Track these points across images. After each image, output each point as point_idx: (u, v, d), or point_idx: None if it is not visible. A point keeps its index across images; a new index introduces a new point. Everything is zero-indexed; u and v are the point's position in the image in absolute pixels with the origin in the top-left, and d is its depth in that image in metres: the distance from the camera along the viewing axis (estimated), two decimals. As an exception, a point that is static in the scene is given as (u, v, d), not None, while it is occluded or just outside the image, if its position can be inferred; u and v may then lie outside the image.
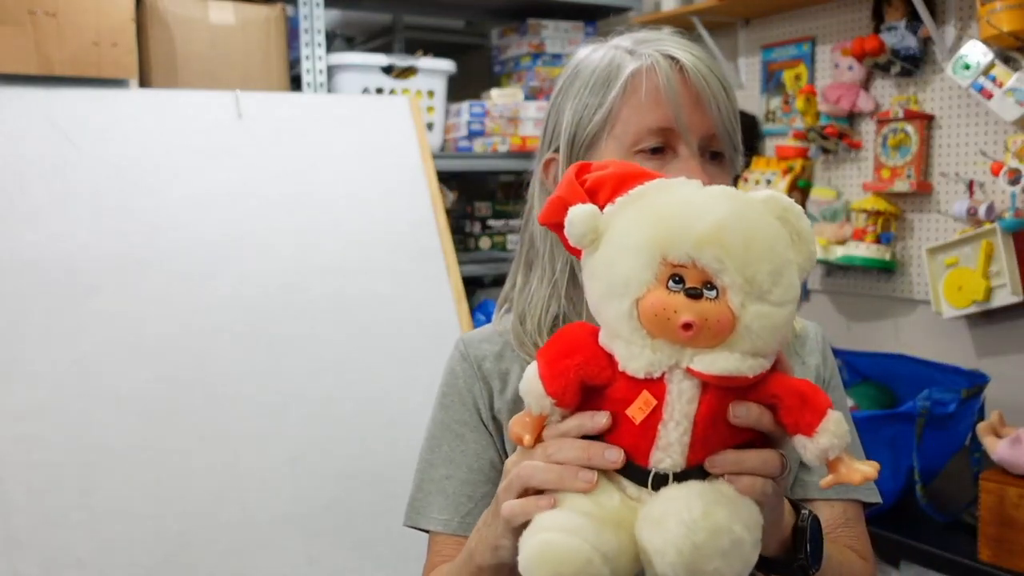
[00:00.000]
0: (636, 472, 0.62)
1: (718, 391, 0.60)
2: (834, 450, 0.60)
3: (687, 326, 0.57)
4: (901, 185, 2.19)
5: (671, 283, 0.59)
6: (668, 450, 0.60)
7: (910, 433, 1.72)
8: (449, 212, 2.60)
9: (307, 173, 2.10)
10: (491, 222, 2.79)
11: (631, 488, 0.62)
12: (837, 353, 2.17)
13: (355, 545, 1.85)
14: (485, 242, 2.77)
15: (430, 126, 2.58)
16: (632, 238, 0.61)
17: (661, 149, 0.85)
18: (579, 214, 0.63)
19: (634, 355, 0.61)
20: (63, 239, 1.80)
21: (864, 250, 2.24)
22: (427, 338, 2.07)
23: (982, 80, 1.94)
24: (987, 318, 2.10)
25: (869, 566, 0.93)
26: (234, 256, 1.95)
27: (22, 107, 1.86)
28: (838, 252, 2.30)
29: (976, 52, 1.95)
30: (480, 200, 2.82)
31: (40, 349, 1.72)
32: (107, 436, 1.72)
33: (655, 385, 0.60)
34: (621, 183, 0.64)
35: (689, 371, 0.60)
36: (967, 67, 1.96)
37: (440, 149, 2.65)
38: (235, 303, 1.92)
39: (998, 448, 1.59)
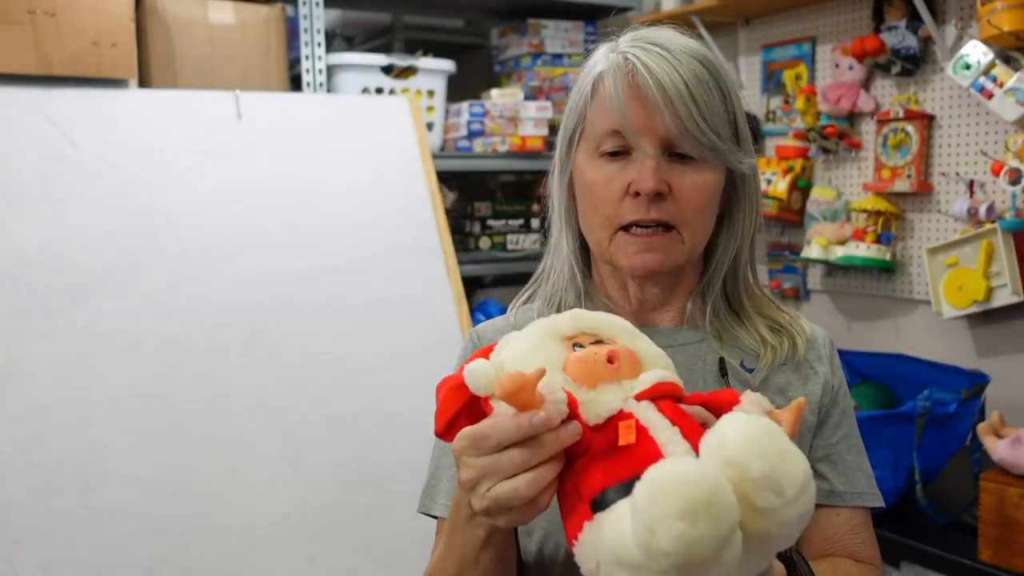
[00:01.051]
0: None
1: (669, 401, 0.68)
2: (758, 405, 0.68)
3: (610, 358, 0.67)
4: (901, 185, 2.19)
5: (575, 348, 0.70)
6: (675, 449, 0.62)
7: (910, 433, 1.71)
8: (449, 212, 2.60)
9: (307, 173, 2.10)
10: (491, 222, 2.79)
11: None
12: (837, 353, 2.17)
13: (355, 545, 1.85)
14: (485, 242, 2.76)
15: (430, 126, 2.58)
16: (528, 345, 0.70)
17: (619, 152, 0.87)
18: (473, 367, 0.68)
19: (590, 405, 0.65)
20: (63, 239, 1.80)
21: (864, 250, 2.24)
22: (427, 338, 2.07)
23: (983, 80, 1.94)
24: (987, 318, 2.10)
25: (876, 571, 0.93)
26: (234, 256, 1.95)
27: (21, 107, 1.85)
28: (838, 252, 2.30)
29: (977, 52, 1.95)
30: (480, 200, 2.81)
31: (40, 349, 1.72)
32: (107, 436, 1.72)
33: (624, 417, 0.65)
34: (485, 352, 0.73)
35: (638, 397, 0.66)
36: (968, 67, 1.96)
37: (440, 149, 2.64)
38: (235, 303, 1.92)
39: (998, 448, 1.59)
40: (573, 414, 0.65)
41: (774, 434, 0.59)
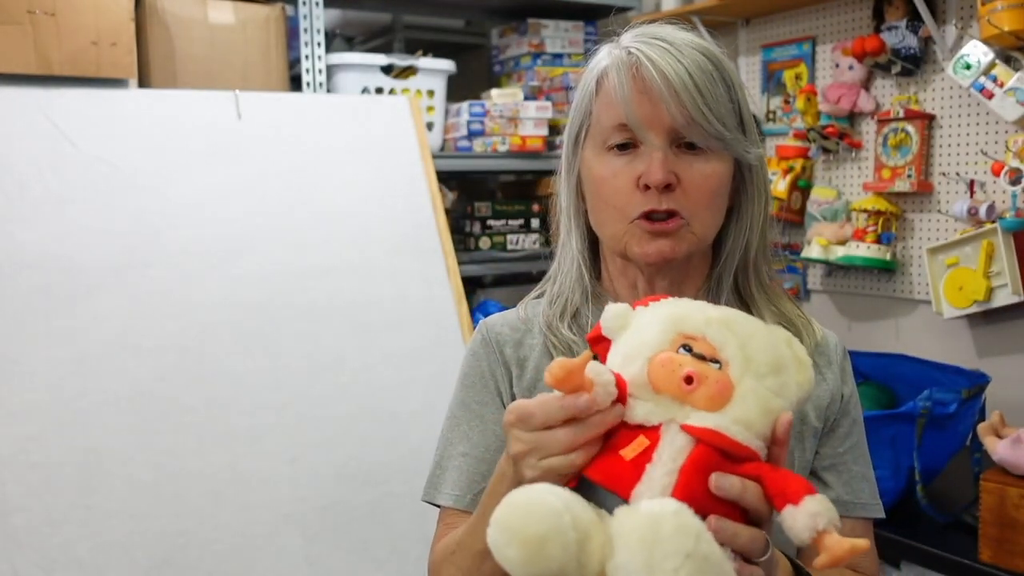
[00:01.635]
0: (615, 502, 0.63)
1: (707, 450, 0.64)
2: (822, 518, 0.61)
3: (688, 378, 0.65)
4: (902, 185, 2.19)
5: (681, 349, 0.67)
6: (650, 485, 0.63)
7: (911, 433, 1.71)
8: (449, 212, 2.60)
9: (307, 173, 2.10)
10: (491, 222, 2.79)
11: (607, 517, 0.63)
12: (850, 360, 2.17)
13: (355, 545, 1.85)
14: (485, 242, 2.76)
15: (430, 126, 2.58)
16: (653, 317, 0.70)
17: (627, 145, 0.88)
18: (613, 308, 0.72)
19: (636, 406, 0.67)
20: (63, 239, 1.80)
21: (864, 250, 2.24)
22: (427, 338, 2.07)
23: (983, 80, 1.94)
24: (988, 318, 2.10)
25: None
26: (234, 256, 1.95)
27: (21, 107, 1.85)
28: (838, 252, 2.30)
29: (977, 52, 1.95)
30: (480, 200, 2.81)
31: (40, 349, 1.72)
32: (107, 436, 1.72)
33: (650, 433, 0.66)
34: (644, 302, 0.74)
35: (684, 428, 0.64)
36: (968, 67, 1.96)
37: (440, 149, 2.64)
38: (235, 303, 1.92)
39: (999, 448, 1.59)
40: (621, 396, 0.67)
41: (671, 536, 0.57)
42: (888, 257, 2.24)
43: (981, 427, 1.68)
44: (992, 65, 1.93)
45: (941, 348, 2.19)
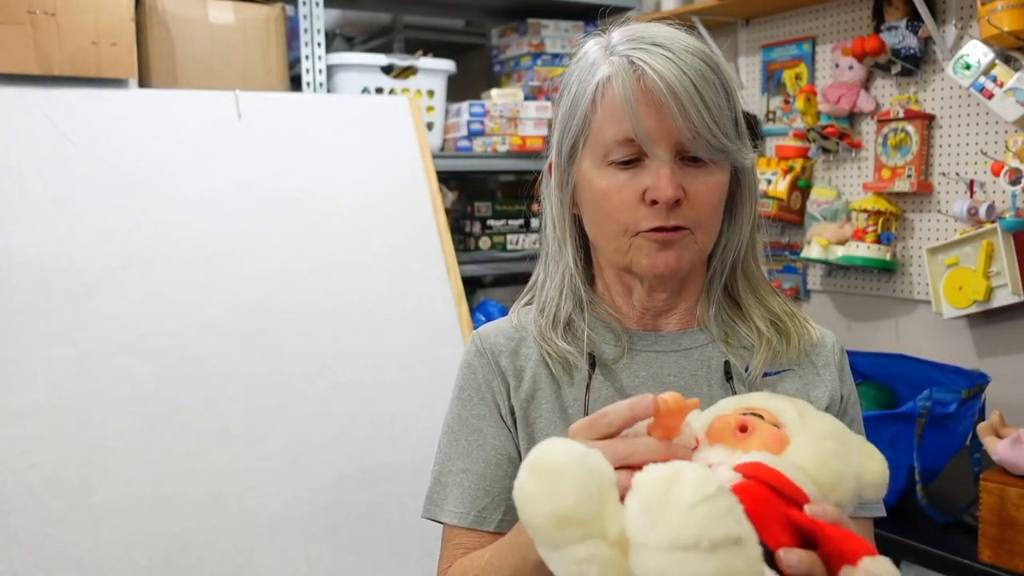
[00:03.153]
0: None
1: (756, 483, 0.61)
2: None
3: (743, 427, 0.65)
4: (901, 185, 2.19)
5: (743, 415, 0.69)
6: None
7: (911, 433, 1.71)
8: (449, 212, 2.60)
9: (307, 173, 2.10)
10: (491, 222, 2.79)
11: None
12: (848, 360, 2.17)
13: (355, 545, 1.85)
14: (485, 242, 2.76)
15: (430, 126, 2.58)
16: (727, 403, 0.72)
17: (631, 160, 0.85)
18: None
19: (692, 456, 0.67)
20: (63, 239, 1.80)
21: (864, 250, 2.24)
22: (427, 338, 2.06)
23: (983, 80, 1.94)
24: (987, 318, 2.10)
25: None
26: (234, 256, 1.95)
27: (21, 107, 1.85)
28: (838, 252, 2.30)
29: (977, 52, 1.95)
30: (480, 200, 2.81)
31: (40, 349, 1.72)
32: (107, 436, 1.72)
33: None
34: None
35: (736, 468, 0.63)
36: (968, 67, 1.96)
37: (440, 149, 2.64)
38: (235, 303, 1.92)
39: (998, 448, 1.59)
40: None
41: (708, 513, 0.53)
42: (888, 257, 2.24)
43: (981, 427, 1.68)
44: (992, 65, 1.93)
45: (941, 348, 2.19)
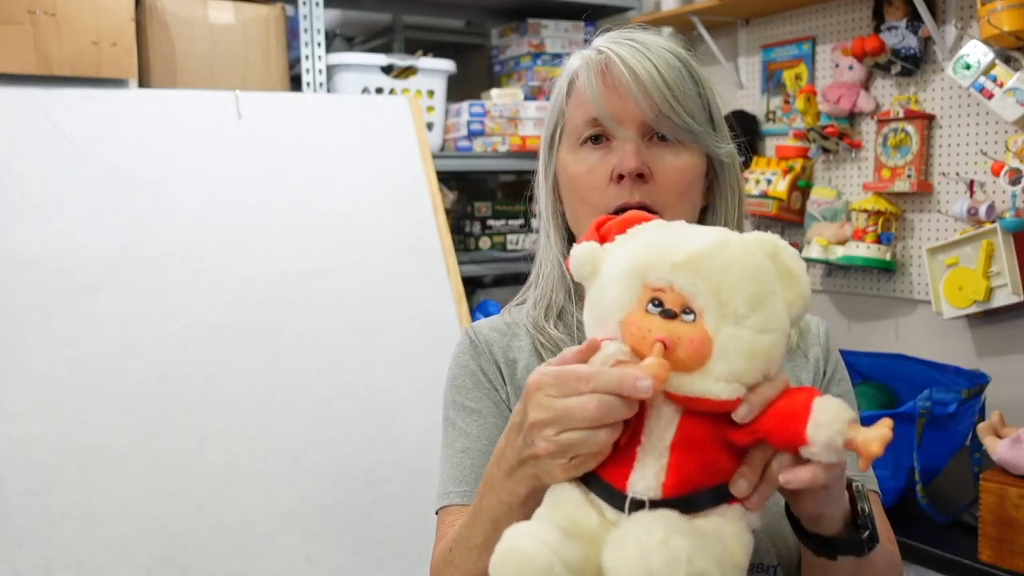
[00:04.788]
0: (614, 496, 0.62)
1: (696, 418, 0.61)
2: (837, 438, 0.58)
3: (664, 344, 0.59)
4: (901, 185, 2.19)
5: (650, 306, 0.61)
6: (643, 473, 0.61)
7: (910, 433, 1.71)
8: (449, 212, 2.60)
9: (307, 173, 2.10)
10: (491, 222, 2.79)
11: (609, 512, 0.62)
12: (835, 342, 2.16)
13: (355, 545, 1.85)
14: (485, 242, 2.76)
15: (430, 126, 2.58)
16: (619, 267, 0.64)
17: (599, 137, 0.91)
18: (579, 250, 0.67)
19: None
20: (63, 239, 1.80)
21: (864, 250, 2.24)
22: (427, 338, 2.07)
23: (983, 80, 1.94)
24: (987, 318, 2.10)
25: (895, 548, 0.93)
26: (234, 256, 1.95)
27: (22, 107, 1.85)
28: (838, 252, 2.30)
29: (977, 52, 1.95)
30: (480, 200, 2.81)
31: (40, 349, 1.72)
32: (107, 436, 1.72)
33: (639, 407, 0.62)
34: (625, 225, 0.68)
35: (667, 395, 0.61)
36: (968, 67, 1.96)
37: (440, 149, 2.64)
38: (235, 303, 1.92)
39: (998, 448, 1.59)
40: None
41: (660, 570, 0.55)
42: (888, 257, 2.24)
43: (981, 427, 1.68)
44: (992, 65, 1.93)
45: (941, 348, 2.19)
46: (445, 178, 2.63)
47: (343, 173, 2.14)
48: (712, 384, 0.59)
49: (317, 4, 2.39)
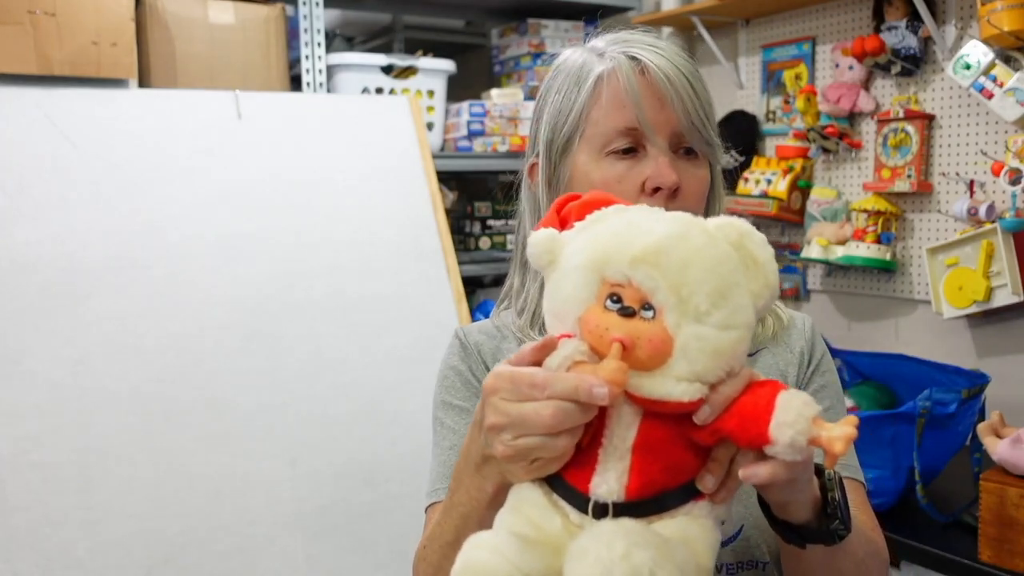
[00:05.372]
0: (577, 498, 0.60)
1: (658, 419, 0.59)
2: (800, 438, 0.56)
3: (623, 345, 0.57)
4: (901, 185, 2.19)
5: (608, 302, 0.59)
6: (605, 476, 0.60)
7: (910, 433, 1.71)
8: (449, 212, 2.60)
9: (307, 173, 2.10)
10: (491, 222, 2.79)
11: (573, 515, 0.61)
12: (836, 353, 2.17)
13: (355, 545, 1.85)
14: (485, 242, 2.76)
15: (430, 126, 2.58)
16: (576, 259, 0.61)
17: (631, 149, 0.88)
18: (537, 237, 0.64)
19: None
20: (63, 239, 1.80)
21: (864, 250, 2.24)
22: (427, 338, 2.06)
23: (983, 80, 1.94)
24: (987, 318, 2.10)
25: (879, 538, 0.92)
26: (234, 256, 1.95)
27: (22, 107, 1.85)
28: (838, 252, 2.30)
29: (977, 52, 1.95)
30: (480, 200, 2.81)
31: (40, 349, 1.72)
32: (107, 436, 1.72)
33: (600, 408, 0.59)
34: (585, 209, 0.65)
35: (627, 395, 0.58)
36: (968, 67, 1.96)
37: (440, 149, 2.64)
38: (235, 303, 1.92)
39: (998, 448, 1.59)
40: None
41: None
42: (888, 257, 2.24)
43: (981, 427, 1.68)
44: (992, 65, 1.93)
45: (941, 348, 2.19)
46: (445, 178, 2.63)
47: (343, 173, 2.14)
48: (673, 386, 0.57)
49: (317, 4, 2.39)
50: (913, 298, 2.27)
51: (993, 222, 1.96)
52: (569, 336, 0.61)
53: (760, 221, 2.61)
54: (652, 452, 0.59)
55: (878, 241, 2.24)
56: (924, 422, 1.71)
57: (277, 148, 2.09)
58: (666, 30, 2.73)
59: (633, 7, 2.83)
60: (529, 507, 0.62)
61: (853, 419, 0.56)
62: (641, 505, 0.59)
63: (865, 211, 2.25)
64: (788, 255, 2.55)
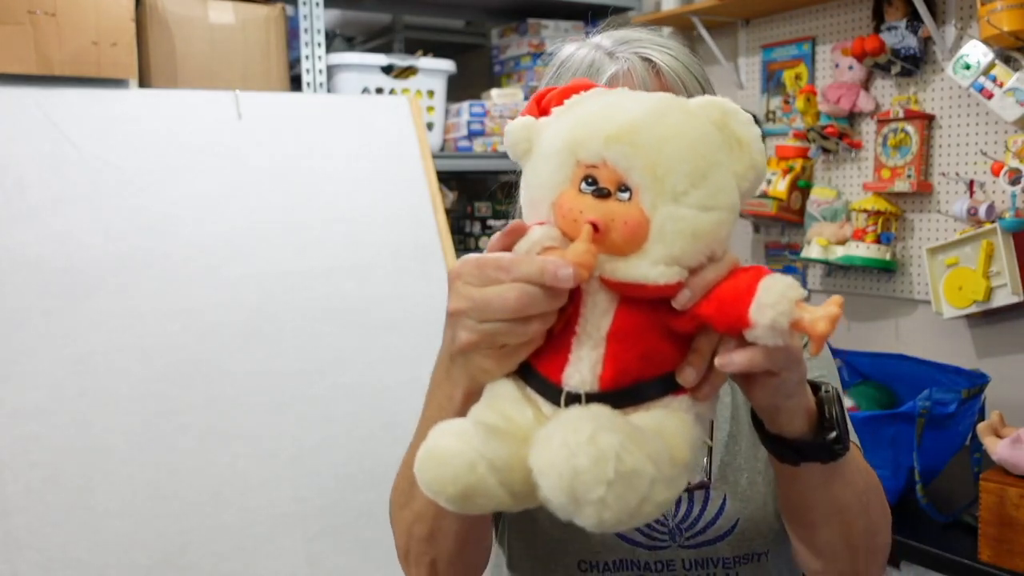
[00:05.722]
0: (550, 389, 0.57)
1: (634, 306, 0.56)
2: (781, 319, 0.53)
3: (593, 227, 0.54)
4: (901, 185, 2.19)
5: (583, 184, 0.56)
6: (578, 365, 0.57)
7: (910, 433, 1.71)
8: (449, 212, 2.60)
9: (307, 173, 2.10)
10: (491, 222, 2.79)
11: (545, 406, 0.58)
12: (836, 353, 2.17)
13: (355, 545, 1.85)
14: (485, 242, 2.76)
15: (430, 126, 2.58)
16: (552, 143, 0.59)
17: None
18: (512, 125, 0.62)
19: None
20: (63, 239, 1.80)
21: (864, 250, 2.24)
22: (427, 338, 2.06)
23: (982, 80, 1.94)
24: (987, 318, 2.10)
25: (877, 481, 0.89)
26: (234, 256, 1.95)
27: (22, 107, 1.85)
28: (838, 252, 2.30)
29: (976, 52, 1.95)
30: (480, 200, 2.82)
31: (40, 349, 1.72)
32: (107, 436, 1.72)
33: (573, 295, 0.57)
34: (565, 95, 0.62)
35: (602, 280, 0.56)
36: (967, 67, 1.96)
37: (440, 149, 2.64)
38: (235, 303, 1.92)
39: (998, 448, 1.59)
40: None
41: (588, 469, 0.50)
42: (888, 257, 2.24)
43: (981, 427, 1.68)
44: (992, 65, 1.93)
45: (941, 348, 2.19)
46: (445, 178, 2.63)
47: (343, 173, 2.14)
48: (649, 268, 0.54)
49: (317, 4, 2.39)
50: (913, 298, 2.27)
51: (993, 222, 1.96)
52: (542, 223, 0.59)
53: (760, 221, 2.61)
54: (628, 340, 0.56)
55: (878, 241, 2.24)
56: (924, 422, 1.71)
57: (277, 148, 2.09)
58: (666, 30, 2.73)
59: (633, 7, 2.83)
60: (502, 401, 0.59)
61: (837, 299, 0.53)
62: (615, 395, 0.56)
63: (865, 211, 2.25)
64: (788, 255, 2.55)
